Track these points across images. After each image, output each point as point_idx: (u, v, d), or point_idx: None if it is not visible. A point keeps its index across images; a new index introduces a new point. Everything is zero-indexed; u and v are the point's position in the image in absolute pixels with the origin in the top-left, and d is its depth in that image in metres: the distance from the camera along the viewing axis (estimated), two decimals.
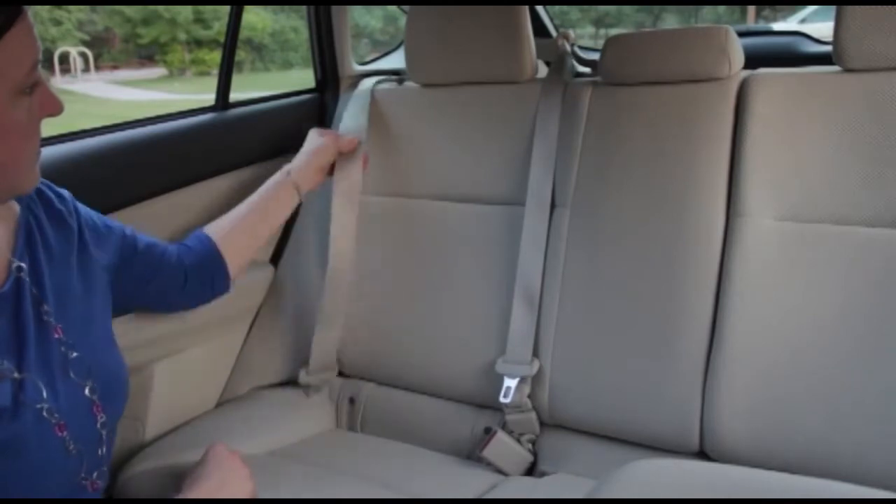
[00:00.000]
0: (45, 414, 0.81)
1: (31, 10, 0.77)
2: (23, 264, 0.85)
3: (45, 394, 0.81)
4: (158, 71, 12.09)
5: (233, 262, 1.19)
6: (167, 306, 1.19)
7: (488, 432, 1.29)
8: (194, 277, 1.14)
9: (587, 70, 1.45)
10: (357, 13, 2.62)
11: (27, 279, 0.84)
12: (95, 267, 0.97)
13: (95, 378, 0.88)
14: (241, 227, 1.22)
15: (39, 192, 0.92)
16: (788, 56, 1.74)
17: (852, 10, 1.12)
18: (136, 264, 1.05)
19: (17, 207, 0.88)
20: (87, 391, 0.87)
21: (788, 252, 1.14)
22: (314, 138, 1.36)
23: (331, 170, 1.39)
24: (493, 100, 1.42)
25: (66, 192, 0.96)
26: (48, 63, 10.04)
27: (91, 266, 0.96)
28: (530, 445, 1.30)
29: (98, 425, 0.89)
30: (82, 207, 0.98)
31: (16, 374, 0.80)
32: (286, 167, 1.31)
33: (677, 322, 1.19)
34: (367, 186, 1.50)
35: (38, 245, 0.88)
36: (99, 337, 0.93)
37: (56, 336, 0.85)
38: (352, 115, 1.51)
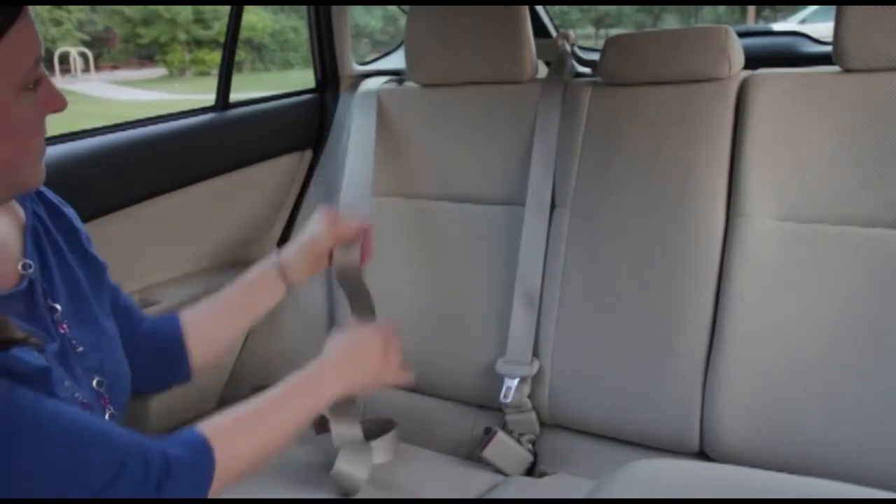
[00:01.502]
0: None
1: (31, 10, 0.77)
2: (31, 262, 0.85)
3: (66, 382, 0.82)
4: (158, 71, 12.09)
5: (200, 352, 1.06)
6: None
7: (488, 432, 1.29)
8: (153, 361, 1.03)
9: (587, 70, 1.46)
10: (357, 13, 2.62)
11: (37, 277, 0.85)
12: (99, 268, 0.97)
13: (102, 373, 0.89)
14: (217, 317, 1.09)
15: (41, 195, 0.92)
16: (788, 56, 1.74)
17: (852, 10, 1.12)
18: (118, 309, 1.00)
19: (23, 213, 0.89)
20: (94, 384, 0.88)
21: (788, 252, 1.14)
22: (313, 225, 1.16)
23: (328, 258, 1.18)
24: (494, 100, 1.42)
25: (69, 207, 0.96)
26: (48, 63, 10.03)
27: (95, 267, 0.96)
28: (530, 445, 1.30)
29: (107, 417, 0.89)
30: (82, 226, 0.97)
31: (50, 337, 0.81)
32: (275, 256, 1.13)
33: (677, 322, 1.19)
34: (366, 186, 1.50)
35: (45, 245, 0.89)
36: (105, 335, 0.93)
37: (62, 331, 0.86)
38: (360, 119, 1.52)
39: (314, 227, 1.16)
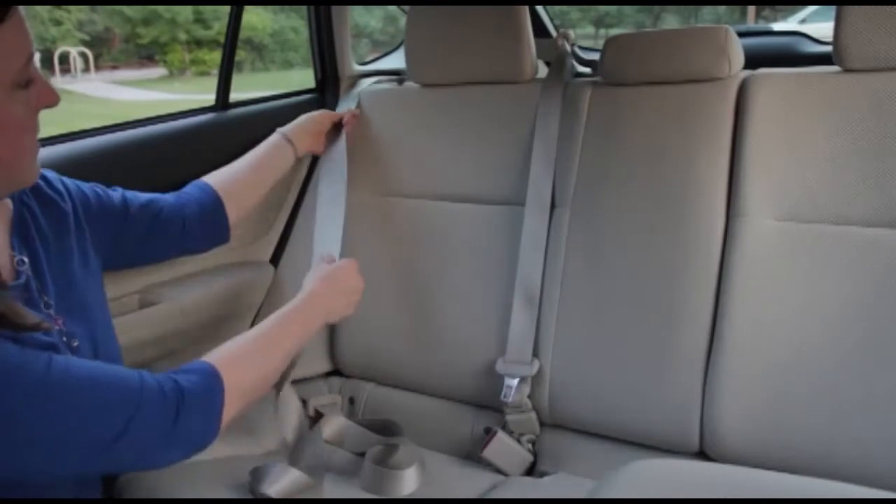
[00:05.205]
0: None
1: (30, 10, 0.77)
2: (24, 258, 0.85)
3: None
4: (158, 71, 12.09)
5: (232, 210, 1.21)
6: (168, 256, 1.20)
7: (488, 432, 1.29)
8: (194, 225, 1.16)
9: (587, 70, 1.45)
10: (357, 13, 2.62)
11: (29, 272, 0.85)
12: (91, 248, 0.98)
13: None
14: (240, 179, 1.25)
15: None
16: (788, 56, 1.74)
17: (852, 10, 1.12)
18: (129, 226, 1.07)
19: (9, 201, 0.88)
20: None
21: (788, 252, 1.14)
22: (311, 112, 1.44)
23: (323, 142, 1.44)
24: (493, 100, 1.42)
25: (50, 174, 0.97)
26: (48, 63, 10.04)
27: (88, 247, 0.97)
28: (530, 445, 1.30)
29: None
30: (69, 181, 1.00)
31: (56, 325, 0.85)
32: (279, 129, 1.36)
33: (677, 322, 1.19)
34: (367, 186, 1.50)
35: (34, 237, 0.89)
36: (98, 322, 0.94)
37: (56, 327, 0.86)
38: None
39: (312, 112, 1.42)
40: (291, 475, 1.16)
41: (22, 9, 0.76)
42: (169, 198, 1.15)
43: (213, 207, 1.19)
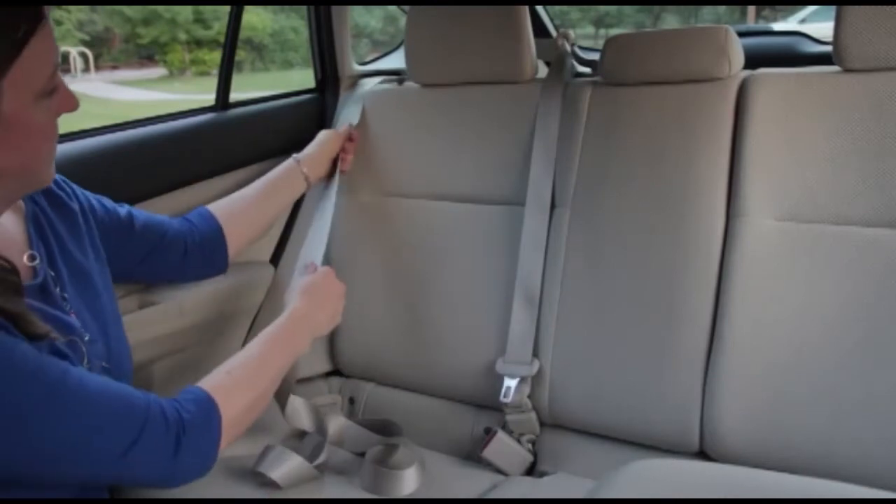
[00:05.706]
0: None
1: (50, 18, 0.77)
2: (37, 253, 0.86)
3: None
4: (158, 71, 12.08)
5: (233, 241, 1.21)
6: (164, 280, 1.21)
7: (488, 432, 1.29)
8: (195, 254, 1.16)
9: (587, 70, 1.46)
10: (357, 13, 2.63)
11: (44, 266, 0.86)
12: (100, 244, 0.99)
13: (108, 359, 0.90)
14: (245, 208, 1.24)
15: None
16: (788, 56, 1.74)
17: (852, 10, 1.12)
18: (133, 241, 1.08)
19: (22, 202, 0.89)
20: (100, 371, 0.89)
21: (788, 252, 1.14)
22: (323, 133, 1.42)
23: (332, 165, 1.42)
24: (493, 100, 1.42)
25: (58, 176, 0.98)
26: None
27: (98, 242, 0.98)
28: (530, 445, 1.30)
29: None
30: (76, 187, 1.01)
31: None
32: (295, 155, 1.35)
33: (677, 322, 1.19)
34: (367, 186, 1.51)
35: (47, 233, 0.90)
36: (108, 317, 0.95)
37: (71, 319, 0.87)
38: (345, 117, 1.53)
39: (325, 134, 1.41)
40: (294, 461, 1.16)
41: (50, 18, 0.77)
42: (174, 222, 1.15)
43: (215, 242, 1.19)
